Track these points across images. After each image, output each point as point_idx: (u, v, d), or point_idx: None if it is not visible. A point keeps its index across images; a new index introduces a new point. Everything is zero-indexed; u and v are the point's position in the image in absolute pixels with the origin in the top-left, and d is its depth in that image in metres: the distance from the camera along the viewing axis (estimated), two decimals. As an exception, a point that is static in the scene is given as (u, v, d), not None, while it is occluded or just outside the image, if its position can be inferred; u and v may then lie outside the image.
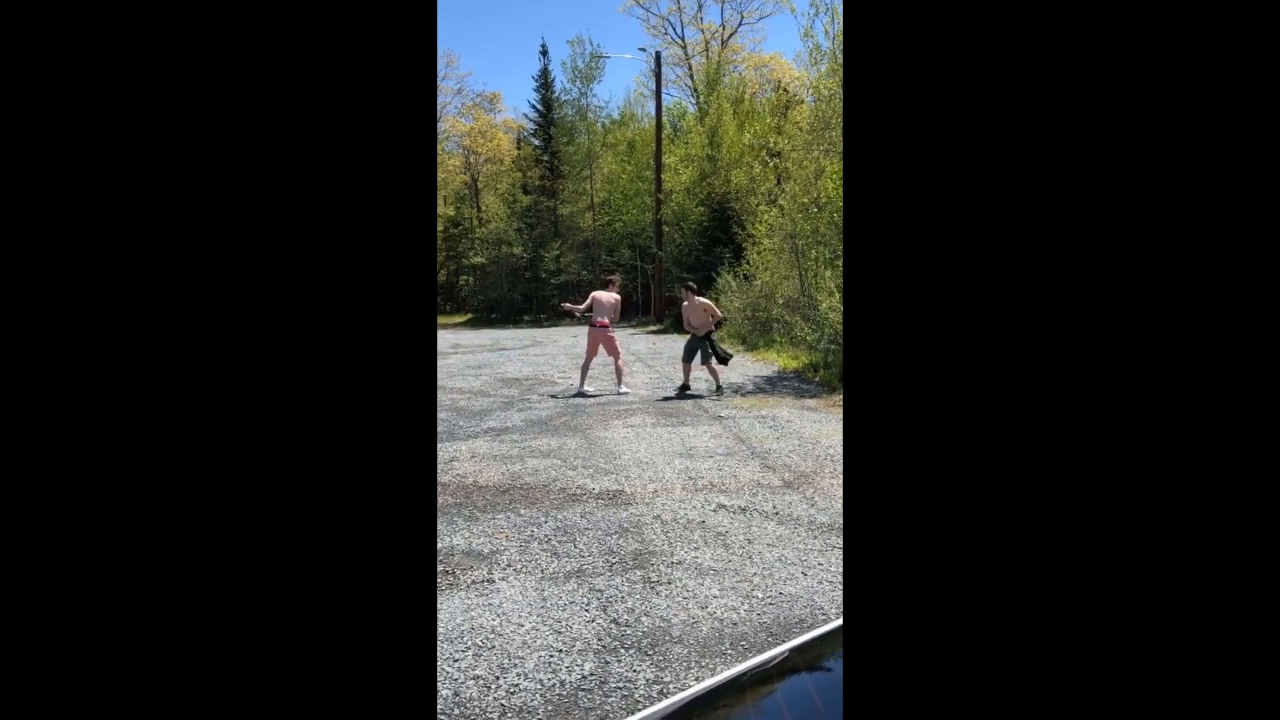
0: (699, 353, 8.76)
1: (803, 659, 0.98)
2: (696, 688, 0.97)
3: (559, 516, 4.39)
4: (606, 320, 8.95)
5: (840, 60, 10.21)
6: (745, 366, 11.19)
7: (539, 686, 2.51)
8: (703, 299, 9.02)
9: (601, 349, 9.07)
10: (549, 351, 14.14)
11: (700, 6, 33.87)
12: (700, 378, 9.22)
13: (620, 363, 9.32)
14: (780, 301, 12.77)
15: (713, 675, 1.83)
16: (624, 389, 9.13)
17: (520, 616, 3.07)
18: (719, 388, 8.86)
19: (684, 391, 8.84)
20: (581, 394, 8.95)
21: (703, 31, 32.70)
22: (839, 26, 10.27)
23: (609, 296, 9.11)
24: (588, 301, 9.24)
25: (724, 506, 4.52)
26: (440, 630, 2.94)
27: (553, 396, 8.91)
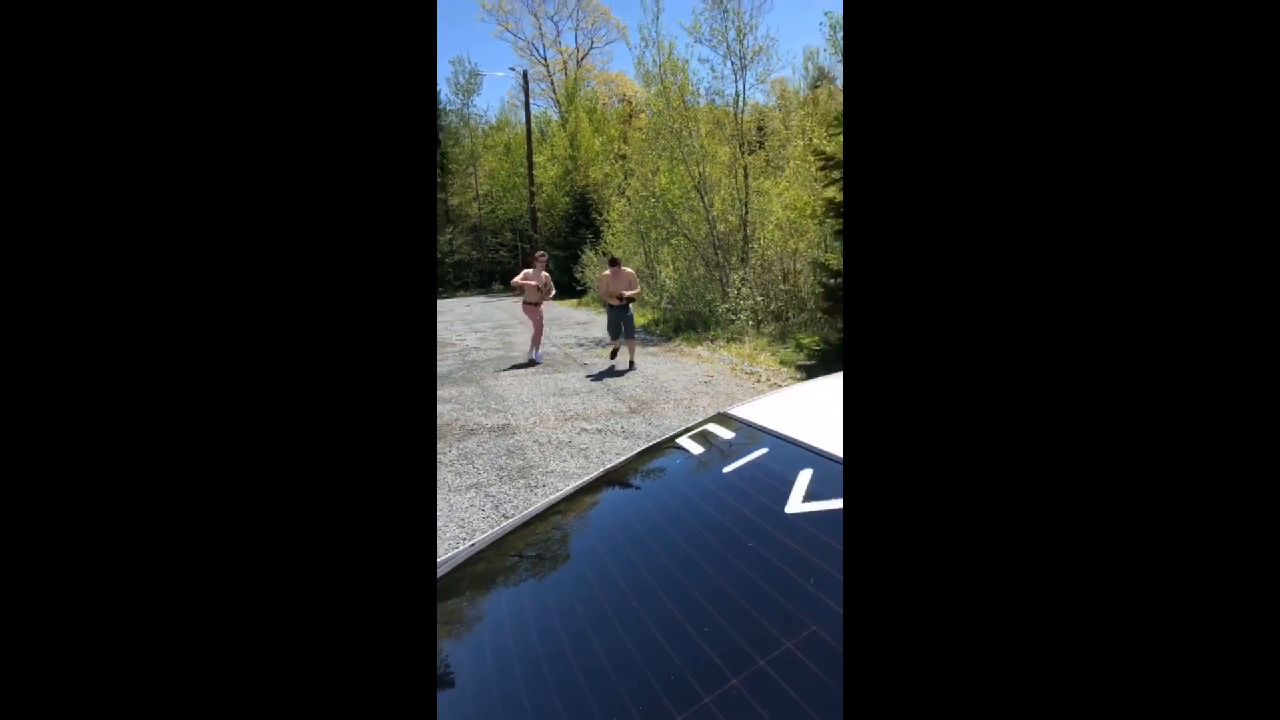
0: (623, 324, 7.20)
1: (613, 476, 1.28)
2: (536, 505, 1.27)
3: (460, 446, 4.58)
4: (534, 298, 7.81)
5: (665, 84, 10.48)
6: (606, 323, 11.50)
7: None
8: (629, 268, 7.49)
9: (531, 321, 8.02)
10: (446, 319, 13.86)
11: (559, 32, 33.18)
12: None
13: (538, 333, 8.06)
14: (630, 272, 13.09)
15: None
16: (538, 357, 7.97)
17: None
18: (631, 364, 7.28)
19: (631, 366, 7.22)
20: (530, 361, 7.90)
21: (561, 53, 31.93)
22: (663, 56, 10.51)
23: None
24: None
25: (586, 430, 4.85)
26: (371, 534, 3.14)
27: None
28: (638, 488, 1.21)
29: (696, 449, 1.18)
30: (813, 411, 1.15)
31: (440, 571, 1.13)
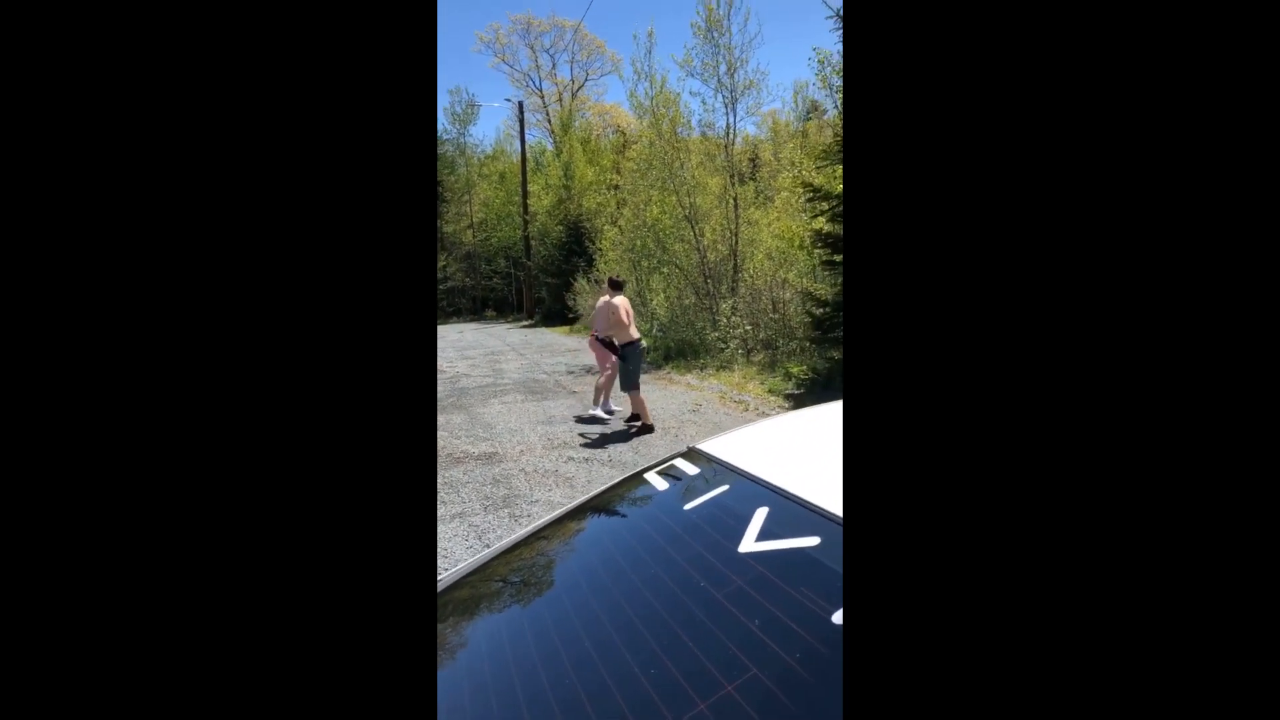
0: (624, 371, 5.49)
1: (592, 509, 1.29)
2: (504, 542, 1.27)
3: (445, 475, 4.56)
4: (595, 331, 5.79)
5: (657, 116, 10.68)
6: (596, 352, 11.51)
7: (428, 595, 2.74)
8: (622, 298, 5.53)
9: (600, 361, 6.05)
10: (438, 346, 13.91)
11: (554, 64, 33.78)
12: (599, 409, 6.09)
13: (604, 379, 5.99)
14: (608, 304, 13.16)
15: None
16: (602, 411, 6.02)
17: (414, 549, 3.28)
18: (637, 421, 5.57)
19: (646, 429, 5.51)
20: (606, 413, 6.04)
21: (556, 85, 32.57)
22: (656, 89, 10.72)
23: (600, 303, 5.71)
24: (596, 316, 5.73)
25: (572, 458, 4.84)
26: (351, 564, 3.10)
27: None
28: (601, 525, 1.22)
29: (661, 485, 1.19)
30: (781, 447, 1.16)
31: None
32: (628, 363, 5.47)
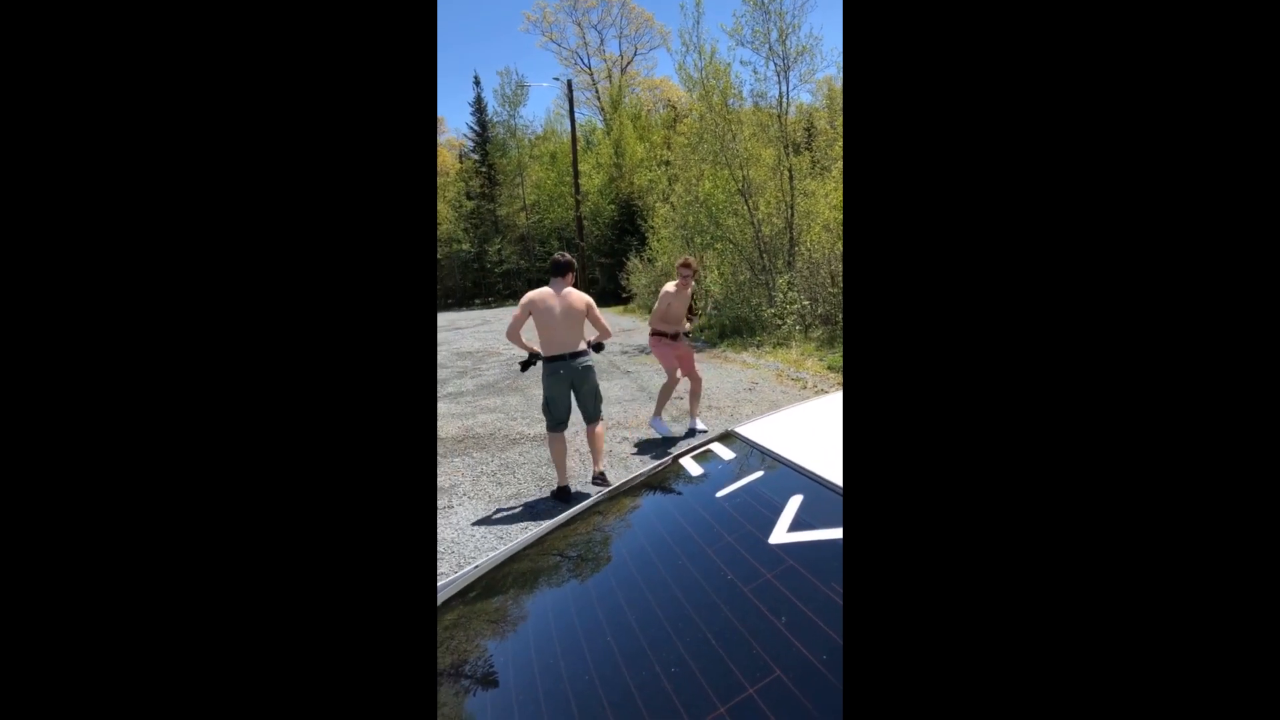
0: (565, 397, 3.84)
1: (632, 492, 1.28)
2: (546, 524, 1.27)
3: (502, 456, 4.65)
4: (659, 325, 4.71)
5: (707, 88, 10.46)
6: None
7: (486, 575, 2.81)
8: (545, 291, 3.95)
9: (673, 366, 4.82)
10: (496, 329, 14.14)
11: (602, 40, 33.60)
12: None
13: (670, 385, 4.82)
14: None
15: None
16: (694, 425, 4.90)
17: (473, 529, 3.36)
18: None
19: (560, 490, 3.75)
20: (691, 431, 4.88)
21: (605, 61, 32.36)
22: (705, 61, 10.49)
23: (666, 290, 4.68)
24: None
25: (626, 439, 4.86)
26: (413, 544, 3.20)
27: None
28: (633, 514, 1.20)
29: (696, 470, 1.15)
30: (821, 431, 1.10)
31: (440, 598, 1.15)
32: (546, 388, 3.72)
